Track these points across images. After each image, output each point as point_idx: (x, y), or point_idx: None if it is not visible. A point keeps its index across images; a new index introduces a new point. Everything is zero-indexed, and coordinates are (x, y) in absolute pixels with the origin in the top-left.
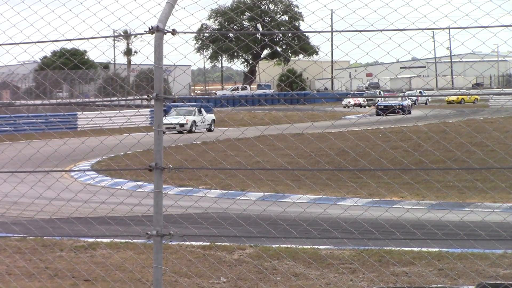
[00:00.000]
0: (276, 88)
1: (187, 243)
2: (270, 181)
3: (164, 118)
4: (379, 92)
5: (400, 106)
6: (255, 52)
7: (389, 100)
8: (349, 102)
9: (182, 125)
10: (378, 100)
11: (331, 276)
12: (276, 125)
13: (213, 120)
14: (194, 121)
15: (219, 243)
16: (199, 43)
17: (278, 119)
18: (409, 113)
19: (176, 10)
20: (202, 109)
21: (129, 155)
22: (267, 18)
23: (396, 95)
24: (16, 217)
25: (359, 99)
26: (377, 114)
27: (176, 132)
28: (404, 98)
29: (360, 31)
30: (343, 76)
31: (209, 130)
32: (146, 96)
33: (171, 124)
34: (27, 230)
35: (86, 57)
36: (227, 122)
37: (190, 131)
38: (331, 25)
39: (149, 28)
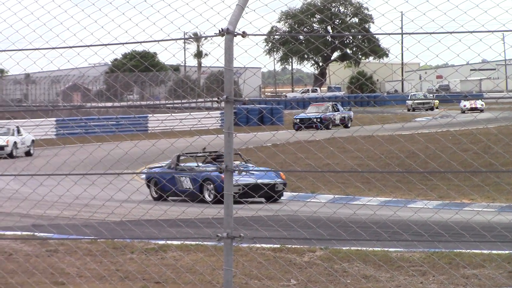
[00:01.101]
0: (346, 90)
1: (258, 245)
2: (340, 184)
3: None
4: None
5: (319, 119)
6: (325, 54)
7: (308, 112)
8: (465, 106)
9: (2, 147)
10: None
11: (401, 279)
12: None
13: (33, 141)
14: (15, 143)
15: (289, 246)
16: (269, 45)
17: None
18: (346, 126)
19: (246, 13)
20: (21, 128)
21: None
22: (337, 20)
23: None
24: (87, 219)
25: (476, 102)
26: (295, 129)
27: None
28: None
29: (430, 33)
30: (413, 78)
31: (28, 153)
32: (216, 99)
33: None
34: (98, 232)
35: (156, 60)
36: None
37: (11, 155)
38: (401, 27)
39: (219, 30)
